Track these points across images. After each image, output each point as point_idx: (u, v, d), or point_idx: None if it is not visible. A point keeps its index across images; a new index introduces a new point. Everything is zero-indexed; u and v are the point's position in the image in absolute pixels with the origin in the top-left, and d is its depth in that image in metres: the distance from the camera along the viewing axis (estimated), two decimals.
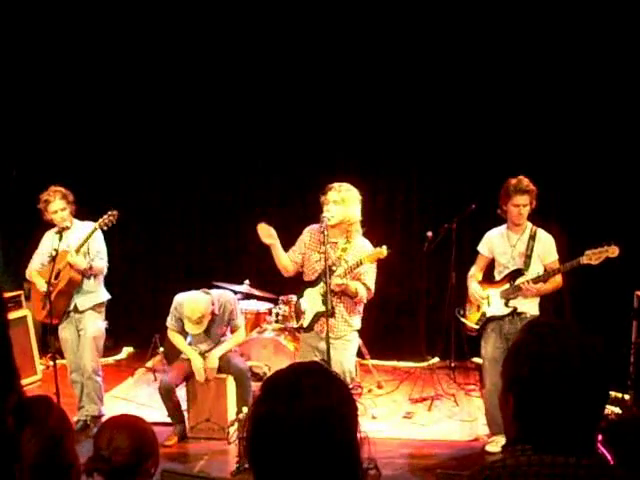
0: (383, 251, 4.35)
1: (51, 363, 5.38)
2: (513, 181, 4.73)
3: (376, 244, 4.48)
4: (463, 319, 5.13)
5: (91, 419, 5.27)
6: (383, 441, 5.00)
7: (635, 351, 5.35)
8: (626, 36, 5.99)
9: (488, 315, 4.92)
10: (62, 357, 5.57)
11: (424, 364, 6.76)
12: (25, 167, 7.23)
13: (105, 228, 5.13)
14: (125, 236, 7.00)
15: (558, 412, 1.40)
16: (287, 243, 4.72)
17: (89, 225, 5.20)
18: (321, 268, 4.46)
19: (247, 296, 6.53)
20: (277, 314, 6.21)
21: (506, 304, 4.85)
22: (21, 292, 6.60)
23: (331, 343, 4.35)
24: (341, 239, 4.58)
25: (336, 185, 4.53)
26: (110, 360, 7.15)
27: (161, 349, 6.67)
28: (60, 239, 5.06)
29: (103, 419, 4.94)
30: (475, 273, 5.07)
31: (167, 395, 5.12)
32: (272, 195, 7.20)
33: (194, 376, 5.23)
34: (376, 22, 6.64)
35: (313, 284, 4.65)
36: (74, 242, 5.14)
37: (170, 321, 5.32)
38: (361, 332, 4.83)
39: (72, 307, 5.25)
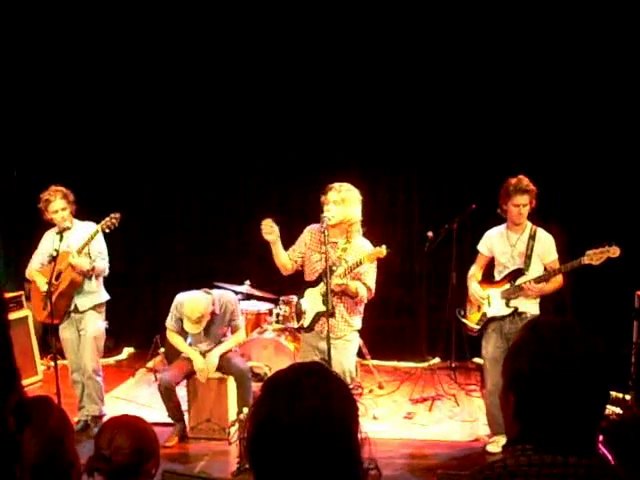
0: (382, 251, 4.35)
1: (52, 363, 5.37)
2: (513, 181, 4.73)
3: (376, 244, 4.48)
4: (464, 319, 5.13)
5: (92, 419, 5.27)
6: (384, 441, 5.00)
7: (636, 351, 5.35)
8: (626, 36, 6.00)
9: (489, 315, 4.91)
10: (63, 357, 5.57)
11: (425, 364, 6.77)
12: (26, 167, 7.25)
13: (107, 231, 5.11)
14: (125, 236, 6.98)
15: (559, 411, 1.40)
16: (287, 243, 4.72)
17: (90, 225, 5.20)
18: (322, 268, 4.45)
19: (248, 296, 6.53)
20: (278, 314, 6.21)
21: (507, 304, 4.85)
22: (22, 293, 6.60)
23: (332, 343, 4.34)
24: (341, 239, 4.57)
25: (336, 185, 4.53)
26: (111, 360, 7.17)
27: (162, 349, 6.68)
28: (61, 239, 5.03)
29: (104, 419, 4.96)
30: (475, 272, 5.07)
31: (167, 393, 5.12)
32: (272, 195, 7.19)
33: (194, 375, 5.24)
34: (376, 22, 6.64)
35: (314, 284, 4.64)
36: (74, 243, 5.12)
37: (169, 321, 5.32)
38: (362, 332, 4.82)
39: (72, 307, 5.25)
